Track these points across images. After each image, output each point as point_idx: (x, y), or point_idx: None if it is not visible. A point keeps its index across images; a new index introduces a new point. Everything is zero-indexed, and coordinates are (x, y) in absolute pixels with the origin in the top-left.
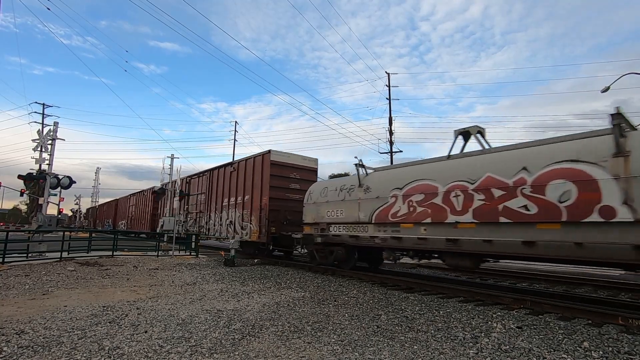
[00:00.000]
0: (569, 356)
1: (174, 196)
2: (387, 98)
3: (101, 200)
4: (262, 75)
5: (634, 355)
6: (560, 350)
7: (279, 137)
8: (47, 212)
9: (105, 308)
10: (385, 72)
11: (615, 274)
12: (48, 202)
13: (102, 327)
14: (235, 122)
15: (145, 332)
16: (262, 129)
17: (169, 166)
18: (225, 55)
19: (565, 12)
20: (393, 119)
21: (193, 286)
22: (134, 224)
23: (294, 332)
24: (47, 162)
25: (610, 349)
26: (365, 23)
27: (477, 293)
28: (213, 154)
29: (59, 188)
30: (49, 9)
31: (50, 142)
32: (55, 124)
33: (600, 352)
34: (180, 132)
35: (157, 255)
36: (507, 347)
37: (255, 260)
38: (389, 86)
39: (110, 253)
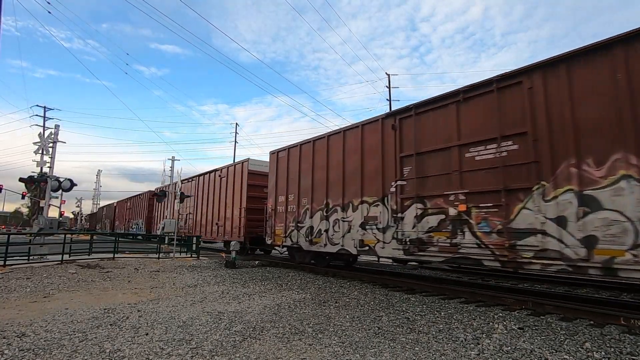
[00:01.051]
0: (571, 357)
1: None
2: (387, 99)
3: (102, 203)
4: (263, 77)
5: (636, 355)
6: (562, 351)
7: (280, 138)
8: (49, 215)
9: (106, 310)
10: (386, 73)
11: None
12: (49, 205)
13: (103, 329)
14: (236, 123)
15: (146, 334)
16: (262, 130)
17: (170, 168)
18: (226, 57)
19: (566, 13)
20: None
21: (194, 288)
22: (199, 228)
23: (295, 333)
24: (48, 164)
25: (612, 349)
26: (365, 25)
27: (479, 294)
28: (214, 156)
29: (60, 191)
30: (49, 12)
31: (51, 144)
32: (56, 126)
33: (602, 353)
34: (181, 134)
35: (158, 257)
36: (509, 348)
37: (256, 262)
38: (389, 87)
39: (111, 255)
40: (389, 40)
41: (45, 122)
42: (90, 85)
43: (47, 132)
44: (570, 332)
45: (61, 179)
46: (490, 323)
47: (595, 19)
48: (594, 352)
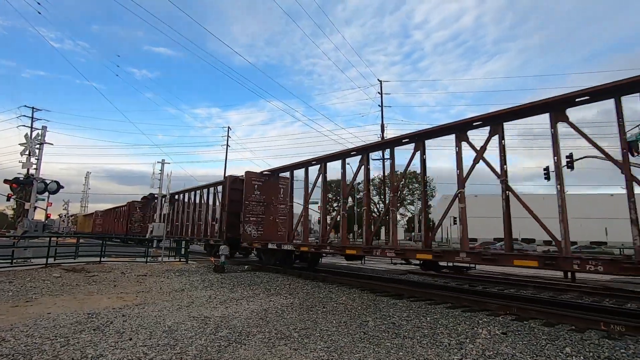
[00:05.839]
0: None
1: None
2: (379, 105)
3: (91, 205)
4: (256, 81)
5: None
6: (542, 356)
7: (272, 143)
8: (35, 218)
9: (90, 315)
10: (378, 79)
11: (605, 279)
12: (35, 207)
13: (85, 334)
14: (229, 127)
15: (130, 339)
16: (255, 134)
17: (160, 171)
18: (219, 61)
19: (555, 23)
20: (385, 126)
21: (181, 293)
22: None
23: (280, 338)
24: (34, 166)
25: (591, 354)
26: (358, 31)
27: (465, 299)
28: (205, 160)
29: (47, 193)
30: (39, 12)
31: (38, 146)
32: (44, 127)
33: (581, 358)
34: (173, 137)
35: (146, 262)
36: (491, 352)
37: (246, 267)
38: (381, 93)
39: (98, 259)
40: (382, 46)
41: (33, 123)
42: (81, 86)
43: (34, 133)
44: (552, 337)
45: (47, 181)
46: (475, 328)
47: (585, 28)
48: (573, 357)
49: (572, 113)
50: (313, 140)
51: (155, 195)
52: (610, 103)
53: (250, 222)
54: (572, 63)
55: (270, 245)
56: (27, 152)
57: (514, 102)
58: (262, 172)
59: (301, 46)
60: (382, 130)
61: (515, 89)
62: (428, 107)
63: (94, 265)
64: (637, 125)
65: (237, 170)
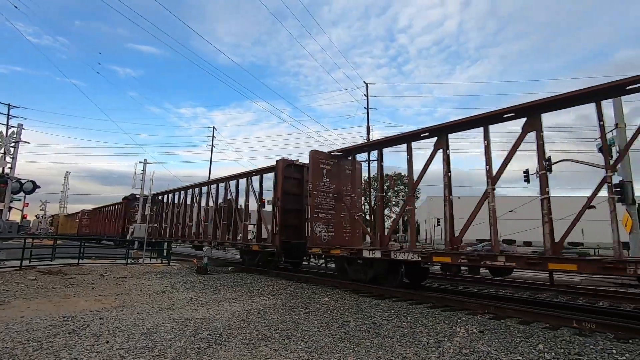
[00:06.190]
0: (524, 358)
1: None
2: (365, 107)
3: (70, 207)
4: (242, 81)
5: (583, 355)
6: (516, 353)
7: (258, 144)
8: (10, 218)
9: (65, 318)
10: (364, 82)
11: (576, 279)
12: (10, 208)
13: (60, 338)
14: (214, 127)
15: (107, 342)
16: (240, 135)
17: (142, 171)
18: (204, 60)
19: (535, 32)
20: (371, 128)
21: (162, 295)
22: None
23: (261, 340)
24: (9, 165)
25: (562, 350)
26: (345, 33)
27: (446, 299)
28: (190, 160)
29: (22, 193)
30: (15, 6)
31: (13, 144)
32: (19, 125)
33: (553, 354)
34: (157, 137)
35: (127, 263)
36: (468, 350)
37: (229, 268)
38: (367, 96)
39: (76, 261)
40: (368, 49)
41: (9, 120)
42: (61, 84)
43: (10, 131)
44: (526, 335)
45: (23, 180)
46: (453, 327)
47: (563, 37)
48: (545, 353)
49: (549, 119)
50: (300, 141)
51: (137, 196)
52: (585, 108)
53: (319, 219)
54: (556, 68)
55: (366, 254)
56: (1, 151)
57: (497, 106)
58: (330, 153)
59: (287, 47)
60: (368, 133)
61: (499, 93)
62: (414, 109)
63: (71, 268)
64: (611, 130)
65: (224, 171)
